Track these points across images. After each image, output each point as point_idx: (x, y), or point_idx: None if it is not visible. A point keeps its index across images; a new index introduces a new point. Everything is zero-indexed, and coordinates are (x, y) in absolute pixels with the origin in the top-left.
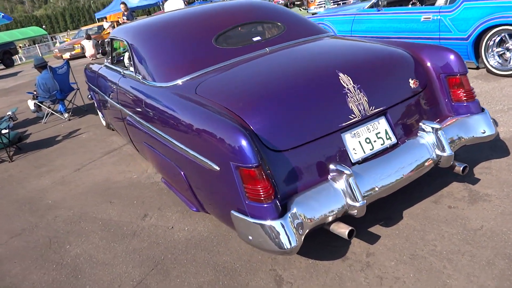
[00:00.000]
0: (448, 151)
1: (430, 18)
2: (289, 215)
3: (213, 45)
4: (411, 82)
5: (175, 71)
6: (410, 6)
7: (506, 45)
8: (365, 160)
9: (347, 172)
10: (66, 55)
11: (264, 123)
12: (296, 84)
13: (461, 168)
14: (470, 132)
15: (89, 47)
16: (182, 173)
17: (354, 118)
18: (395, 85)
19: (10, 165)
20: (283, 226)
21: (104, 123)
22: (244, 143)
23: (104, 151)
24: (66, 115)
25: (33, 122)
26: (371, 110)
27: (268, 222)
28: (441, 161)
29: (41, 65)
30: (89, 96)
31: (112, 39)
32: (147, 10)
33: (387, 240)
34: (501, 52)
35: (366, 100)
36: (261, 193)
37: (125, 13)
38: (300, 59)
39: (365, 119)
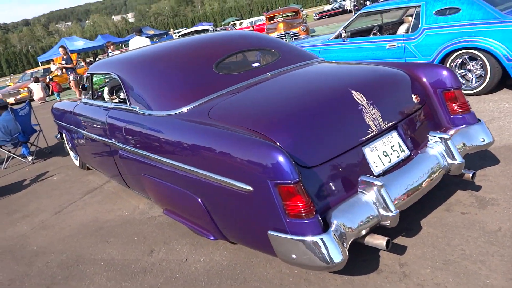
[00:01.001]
0: (459, 159)
1: (395, 45)
2: (332, 228)
3: (214, 72)
4: (414, 97)
5: (179, 99)
6: (371, 36)
7: (468, 67)
8: (385, 172)
9: (378, 183)
10: (11, 100)
11: (291, 140)
12: (316, 103)
13: (471, 175)
14: (472, 141)
15: (37, 90)
16: (198, 200)
17: (372, 132)
18: (401, 100)
19: None
20: (329, 240)
21: (77, 163)
22: (282, 159)
23: (83, 191)
24: (30, 158)
25: None
26: (385, 124)
27: (313, 238)
28: (452, 169)
29: (1, 106)
30: (58, 136)
31: (92, 74)
32: (93, 52)
33: (415, 249)
34: (463, 74)
35: (379, 115)
36: (303, 209)
37: (64, 56)
38: (307, 81)
39: (381, 133)
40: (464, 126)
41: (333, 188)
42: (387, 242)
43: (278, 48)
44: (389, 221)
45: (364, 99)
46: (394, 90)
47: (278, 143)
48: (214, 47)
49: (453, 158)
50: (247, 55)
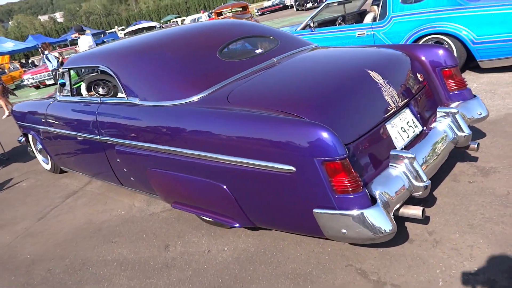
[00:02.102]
0: (467, 131)
1: (364, 33)
2: (379, 199)
3: (220, 59)
4: (418, 76)
5: (188, 88)
6: (337, 25)
7: None
8: (406, 147)
9: (410, 156)
10: None
11: (326, 119)
12: (340, 83)
13: (476, 145)
14: (471, 114)
15: None
16: (224, 187)
17: (392, 109)
18: (409, 79)
19: None
20: (379, 211)
21: (47, 166)
22: (329, 136)
23: (63, 195)
24: None
25: None
26: (401, 101)
27: (365, 211)
28: (460, 141)
29: None
30: (22, 140)
31: (70, 69)
32: (24, 54)
33: (437, 218)
34: None
35: (395, 93)
36: (352, 184)
37: None
38: (321, 63)
39: (398, 110)
40: (462, 101)
41: (367, 163)
42: (423, 211)
43: (275, 35)
44: (421, 192)
45: (381, 78)
46: (403, 69)
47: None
48: (214, 35)
49: (461, 130)
50: (247, 42)
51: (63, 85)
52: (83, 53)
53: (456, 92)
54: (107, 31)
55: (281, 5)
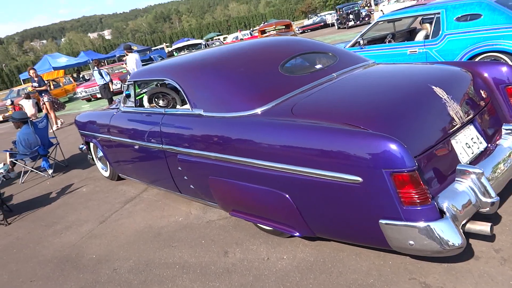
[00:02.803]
0: None
1: (416, 51)
2: (448, 212)
3: (282, 74)
4: (482, 92)
5: (252, 100)
6: (387, 43)
7: None
8: (471, 163)
9: (478, 171)
10: None
11: (393, 132)
12: (406, 97)
13: None
14: None
15: (28, 107)
16: (286, 196)
17: (456, 125)
18: (473, 95)
19: (9, 228)
20: (449, 225)
21: (106, 174)
22: (399, 148)
23: (121, 200)
24: (50, 171)
25: (6, 184)
26: (465, 117)
27: (434, 223)
28: None
29: (22, 120)
30: (83, 148)
31: (135, 82)
32: (75, 69)
33: (504, 236)
34: None
35: (459, 109)
36: (420, 196)
37: (36, 79)
38: (383, 79)
39: (463, 126)
40: None
41: (432, 177)
42: (491, 227)
43: (334, 51)
44: (488, 208)
45: (445, 93)
46: (466, 86)
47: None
48: (275, 50)
49: None
50: (307, 58)
51: (128, 96)
52: (148, 67)
53: None
54: (152, 48)
55: (322, 24)
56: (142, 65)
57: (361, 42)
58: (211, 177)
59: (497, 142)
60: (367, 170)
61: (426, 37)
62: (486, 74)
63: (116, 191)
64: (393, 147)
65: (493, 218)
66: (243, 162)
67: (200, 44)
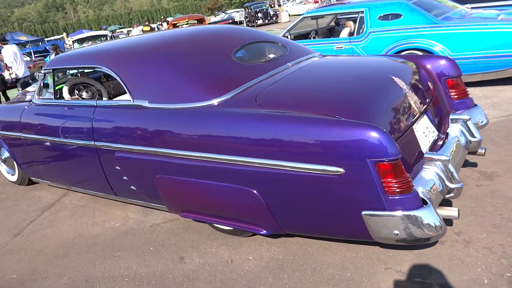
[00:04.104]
0: (478, 136)
1: (342, 47)
2: (428, 199)
3: (237, 63)
4: (429, 84)
5: (207, 91)
6: (311, 38)
7: None
8: (430, 151)
9: (444, 158)
10: None
11: (370, 121)
12: (373, 87)
13: (483, 151)
14: (474, 122)
15: None
16: (254, 192)
17: (417, 114)
18: (423, 87)
19: None
20: (432, 210)
21: (13, 178)
22: (384, 137)
23: (38, 208)
24: None
25: None
26: (422, 107)
27: (419, 210)
28: (471, 146)
29: None
30: None
31: (54, 70)
32: None
33: (459, 219)
34: None
35: (417, 99)
36: (404, 184)
37: None
38: (343, 69)
39: (421, 115)
40: (464, 110)
41: (406, 165)
42: (458, 211)
43: (282, 42)
44: (453, 193)
45: (404, 84)
46: (416, 77)
47: None
48: (224, 38)
49: (473, 136)
50: (257, 48)
51: (45, 86)
52: (74, 52)
53: (459, 101)
54: (45, 39)
55: (230, 21)
56: (36, 57)
57: (289, 37)
58: (158, 176)
59: (447, 131)
60: (349, 161)
61: (351, 34)
62: (429, 66)
63: (29, 198)
64: (378, 135)
65: (444, 203)
66: (200, 158)
67: (106, 35)
